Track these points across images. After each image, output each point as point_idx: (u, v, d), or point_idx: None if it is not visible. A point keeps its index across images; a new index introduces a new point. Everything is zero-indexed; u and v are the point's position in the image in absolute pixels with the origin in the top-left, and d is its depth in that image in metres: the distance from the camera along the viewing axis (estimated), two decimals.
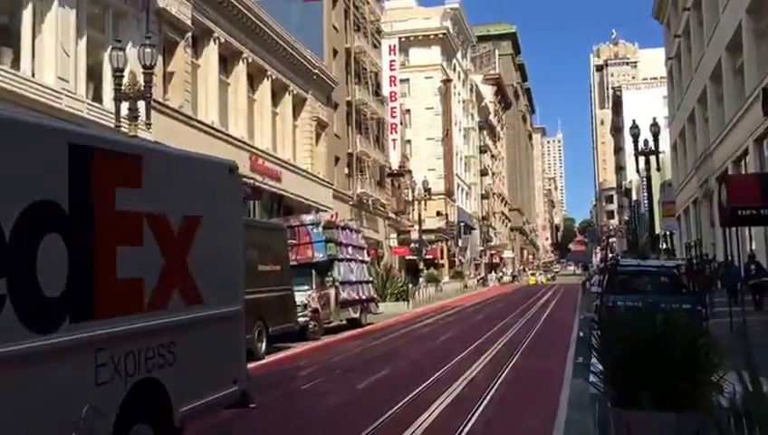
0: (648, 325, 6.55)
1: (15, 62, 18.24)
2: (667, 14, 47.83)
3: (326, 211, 33.30)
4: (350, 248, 24.49)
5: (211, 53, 27.21)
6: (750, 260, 23.44)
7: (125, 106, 17.66)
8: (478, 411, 9.49)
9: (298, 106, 35.99)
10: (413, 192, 54.01)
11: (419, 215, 50.49)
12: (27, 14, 18.60)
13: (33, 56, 18.76)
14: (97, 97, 20.70)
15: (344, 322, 23.74)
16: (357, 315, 24.40)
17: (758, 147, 27.06)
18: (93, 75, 20.83)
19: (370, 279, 27.37)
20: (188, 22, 24.80)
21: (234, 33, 28.65)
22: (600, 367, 7.23)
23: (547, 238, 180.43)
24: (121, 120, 17.66)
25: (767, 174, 22.42)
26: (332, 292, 22.34)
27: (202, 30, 26.55)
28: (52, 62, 18.85)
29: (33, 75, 18.47)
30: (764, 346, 14.00)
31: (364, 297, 25.21)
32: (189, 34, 25.18)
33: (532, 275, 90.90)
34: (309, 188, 35.36)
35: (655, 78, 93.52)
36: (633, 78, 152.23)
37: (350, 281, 23.84)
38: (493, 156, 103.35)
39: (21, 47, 18.47)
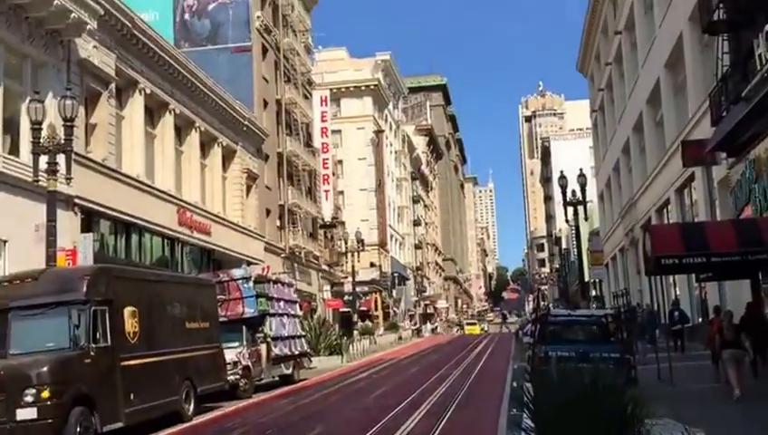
0: (577, 381, 6.54)
1: None
2: (590, 68, 49.50)
3: (258, 264, 32.77)
4: (282, 302, 24.11)
5: (136, 104, 26.68)
6: (673, 307, 24.00)
7: (44, 159, 17.04)
8: None
9: (228, 158, 35.57)
10: (346, 243, 53.78)
11: (353, 266, 50.19)
12: None
13: None
14: (14, 150, 19.92)
15: (276, 378, 23.25)
16: (290, 371, 23.91)
17: (679, 196, 27.90)
18: (10, 127, 20.06)
19: (303, 333, 26.93)
20: (112, 72, 24.29)
21: (160, 84, 28.23)
22: (531, 423, 7.15)
23: (481, 287, 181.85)
24: (40, 174, 17.02)
25: (689, 224, 23.06)
26: (264, 348, 21.89)
27: (127, 81, 26.05)
28: None
29: None
30: (688, 392, 14.19)
31: (297, 352, 24.77)
32: (113, 85, 24.64)
33: (468, 325, 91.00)
34: (240, 242, 34.79)
35: (581, 129, 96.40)
36: (561, 129, 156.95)
37: (282, 336, 23.41)
38: (426, 206, 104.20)
39: None
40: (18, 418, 11.38)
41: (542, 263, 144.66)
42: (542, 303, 50.62)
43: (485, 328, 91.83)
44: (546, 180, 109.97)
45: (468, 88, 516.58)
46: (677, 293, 28.03)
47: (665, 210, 30.33)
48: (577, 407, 6.28)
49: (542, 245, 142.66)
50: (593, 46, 46.31)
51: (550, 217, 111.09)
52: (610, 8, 39.83)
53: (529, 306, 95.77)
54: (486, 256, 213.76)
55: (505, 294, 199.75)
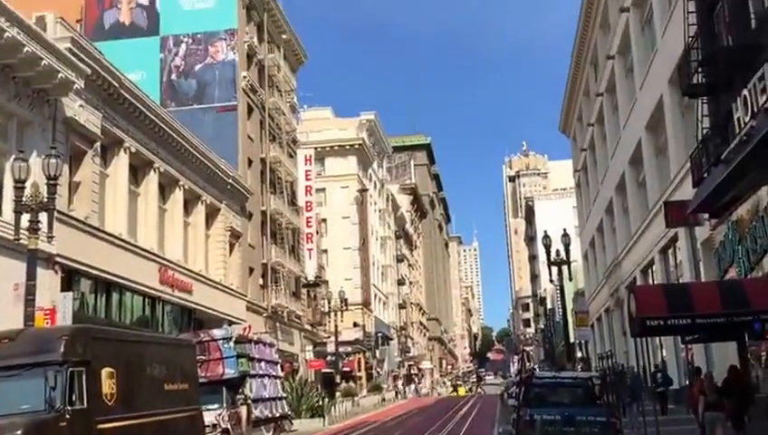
0: None
1: None
2: (573, 129, 50.15)
3: (239, 324, 32.37)
4: (263, 363, 23.83)
5: (121, 162, 26.65)
6: (656, 369, 23.89)
7: (26, 218, 16.86)
8: None
9: (211, 216, 35.45)
10: (329, 303, 53.34)
11: (336, 326, 49.69)
12: None
13: None
14: None
15: None
16: (270, 434, 23.45)
17: (663, 257, 27.96)
18: None
19: (284, 395, 26.53)
20: (98, 131, 24.29)
21: (145, 143, 28.25)
22: None
23: (465, 347, 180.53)
24: (21, 232, 16.82)
25: (672, 285, 23.04)
26: (244, 410, 21.53)
27: (112, 139, 26.06)
28: None
29: None
30: None
31: (278, 414, 24.40)
32: (98, 144, 24.63)
33: (458, 386, 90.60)
34: (222, 301, 34.42)
35: (564, 188, 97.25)
36: (544, 188, 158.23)
37: (262, 398, 23.06)
38: (410, 265, 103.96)
39: None
40: None
41: (527, 323, 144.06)
42: (528, 364, 50.22)
43: (472, 389, 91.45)
44: (530, 240, 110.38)
45: (452, 147, 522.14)
46: (664, 354, 27.88)
47: (649, 271, 30.36)
48: None
49: (528, 304, 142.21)
50: (575, 107, 47.02)
51: (535, 277, 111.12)
52: (592, 71, 40.58)
53: (514, 367, 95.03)
54: (471, 315, 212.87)
55: (490, 355, 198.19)
